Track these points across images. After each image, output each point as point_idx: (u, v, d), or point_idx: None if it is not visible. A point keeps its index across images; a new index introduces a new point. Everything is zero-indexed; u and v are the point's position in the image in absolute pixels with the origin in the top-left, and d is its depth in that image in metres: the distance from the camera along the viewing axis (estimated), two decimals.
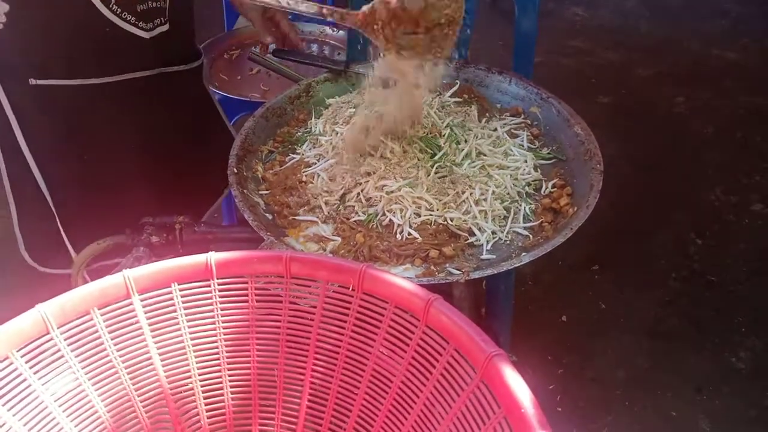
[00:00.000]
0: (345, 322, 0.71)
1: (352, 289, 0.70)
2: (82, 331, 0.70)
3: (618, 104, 3.04)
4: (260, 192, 1.17)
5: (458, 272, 1.00)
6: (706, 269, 2.31)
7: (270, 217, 1.12)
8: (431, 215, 1.07)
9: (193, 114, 1.44)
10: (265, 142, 1.27)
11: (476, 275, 0.97)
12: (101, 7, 1.11)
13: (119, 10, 1.13)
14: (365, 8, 0.92)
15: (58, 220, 1.30)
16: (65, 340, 0.69)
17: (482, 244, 1.06)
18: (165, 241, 1.24)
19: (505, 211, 1.10)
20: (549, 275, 2.26)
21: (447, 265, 1.03)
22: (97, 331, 0.71)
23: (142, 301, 0.72)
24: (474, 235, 1.06)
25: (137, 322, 0.73)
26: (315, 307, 0.73)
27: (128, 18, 1.15)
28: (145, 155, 1.31)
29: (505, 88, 1.35)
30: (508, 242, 1.07)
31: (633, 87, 3.21)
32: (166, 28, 1.22)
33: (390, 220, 1.06)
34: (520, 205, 1.11)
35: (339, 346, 0.71)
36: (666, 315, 2.18)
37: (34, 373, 0.66)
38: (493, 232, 1.07)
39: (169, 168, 1.35)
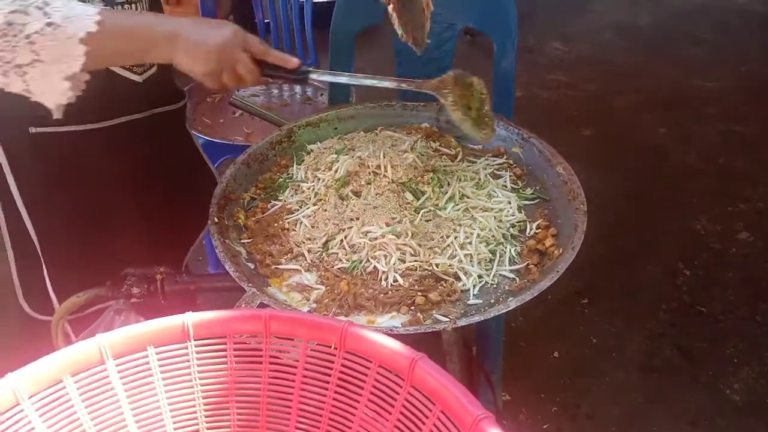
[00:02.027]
0: (328, 382, 0.69)
1: (334, 348, 0.68)
2: (54, 401, 0.68)
3: (600, 135, 3.07)
4: (242, 240, 1.15)
5: (445, 319, 0.98)
6: (695, 299, 2.31)
7: (252, 266, 1.11)
8: (416, 261, 1.05)
9: (178, 156, 1.43)
10: (247, 188, 1.26)
11: (463, 323, 0.95)
12: None
13: None
14: (437, 79, 1.15)
15: (44, 268, 1.28)
16: (36, 410, 0.67)
17: (468, 289, 1.04)
18: (146, 293, 1.22)
19: (490, 254, 1.08)
20: (539, 310, 2.24)
21: (433, 311, 1.02)
22: (70, 400, 0.68)
23: (117, 366, 0.70)
24: (460, 279, 1.05)
25: (112, 388, 0.70)
26: (297, 361, 0.71)
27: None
28: (133, 198, 1.30)
29: None
30: (494, 285, 1.06)
31: (614, 118, 3.24)
32: (154, 70, 1.24)
33: (374, 266, 1.05)
34: (506, 248, 1.10)
35: (322, 408, 0.69)
36: (658, 348, 2.16)
37: None
38: (479, 276, 1.06)
39: (154, 211, 1.34)
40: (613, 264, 2.41)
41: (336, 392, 0.68)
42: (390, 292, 1.02)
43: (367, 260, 1.05)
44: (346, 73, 1.27)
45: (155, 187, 1.33)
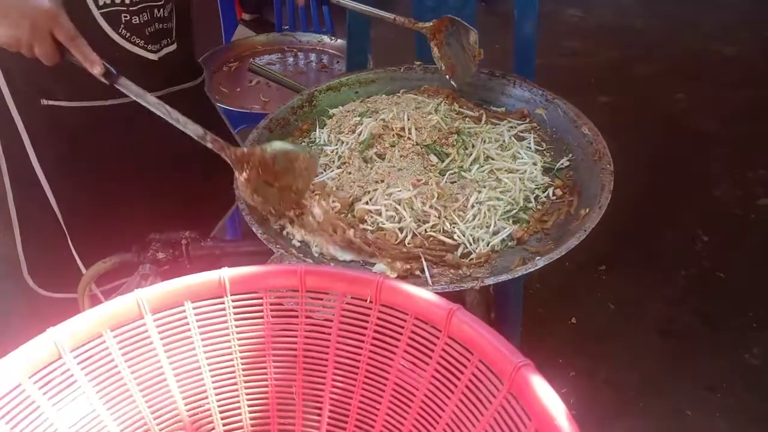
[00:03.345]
0: (364, 335, 0.69)
1: (370, 301, 0.68)
2: (94, 354, 0.69)
3: (619, 103, 3.03)
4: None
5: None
6: (714, 265, 2.29)
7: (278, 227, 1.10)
8: (435, 226, 1.05)
9: (201, 125, 1.43)
10: None
11: (490, 281, 0.96)
12: (111, 32, 1.13)
13: (128, 34, 1.15)
14: (245, 148, 1.05)
15: (69, 238, 1.29)
16: (78, 364, 0.68)
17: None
18: (171, 257, 1.23)
19: (504, 224, 1.07)
20: (556, 277, 2.24)
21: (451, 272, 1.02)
22: (110, 354, 0.70)
23: (155, 321, 0.71)
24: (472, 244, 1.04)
25: (151, 343, 0.71)
26: (331, 320, 0.71)
27: (137, 42, 1.17)
28: (154, 173, 1.31)
29: (510, 90, 1.34)
30: (512, 248, 1.06)
31: (633, 85, 3.19)
32: (173, 48, 1.23)
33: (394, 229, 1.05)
34: (508, 225, 1.08)
35: (358, 361, 0.69)
36: (677, 313, 2.15)
37: (48, 400, 0.65)
38: (488, 243, 1.05)
39: (179, 184, 1.35)
40: (630, 231, 2.39)
41: (372, 345, 0.69)
42: (404, 248, 1.02)
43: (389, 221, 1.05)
44: (154, 98, 1.04)
45: (179, 164, 1.32)
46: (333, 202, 1.07)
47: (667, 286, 2.24)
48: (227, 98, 1.93)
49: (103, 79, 0.98)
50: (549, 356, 2.02)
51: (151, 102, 1.01)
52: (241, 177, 1.00)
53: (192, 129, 1.03)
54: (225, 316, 0.72)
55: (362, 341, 0.69)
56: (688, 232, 2.42)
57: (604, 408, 1.90)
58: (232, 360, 0.73)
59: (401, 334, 0.67)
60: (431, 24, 1.27)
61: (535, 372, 0.56)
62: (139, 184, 1.31)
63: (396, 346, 0.67)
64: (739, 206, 2.51)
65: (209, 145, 1.03)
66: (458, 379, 0.62)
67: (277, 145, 1.03)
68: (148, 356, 0.71)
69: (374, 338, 0.69)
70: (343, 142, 1.19)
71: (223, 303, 0.72)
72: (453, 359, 0.62)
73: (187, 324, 0.72)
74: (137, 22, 1.14)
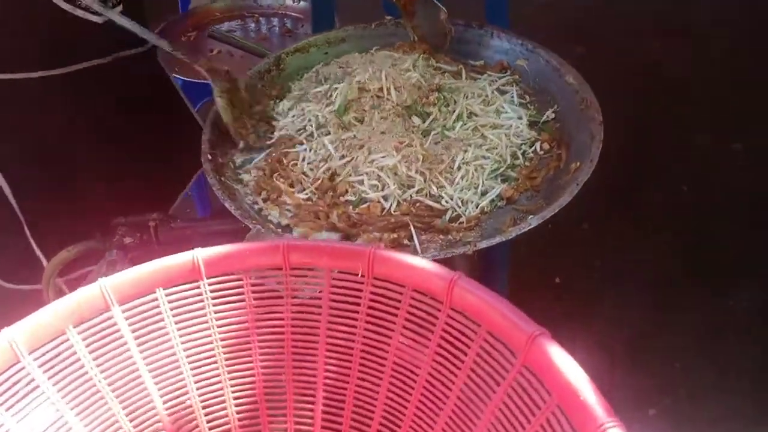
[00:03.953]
0: (357, 312, 0.63)
1: (362, 275, 0.62)
2: (58, 355, 0.62)
3: (594, 55, 2.95)
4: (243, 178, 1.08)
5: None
6: (699, 217, 2.28)
7: (258, 207, 1.03)
8: (421, 191, 0.98)
9: (152, 101, 1.35)
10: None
11: (483, 245, 0.90)
12: None
13: None
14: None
15: (26, 227, 1.20)
16: (39, 367, 0.60)
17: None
18: (139, 242, 1.15)
19: (493, 184, 1.01)
20: (538, 237, 2.20)
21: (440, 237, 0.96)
22: (75, 353, 0.62)
23: (123, 312, 0.64)
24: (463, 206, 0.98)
25: (121, 337, 0.64)
26: (319, 298, 0.65)
27: (79, 3, 1.06)
28: (107, 150, 1.24)
29: (487, 42, 1.27)
30: (501, 208, 1.00)
31: (608, 38, 3.13)
32: (119, 9, 1.12)
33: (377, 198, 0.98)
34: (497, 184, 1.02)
35: (353, 341, 0.63)
36: (663, 268, 2.13)
37: (6, 410, 0.57)
38: (477, 205, 0.99)
39: (135, 162, 1.27)
40: (612, 184, 2.35)
41: (367, 323, 0.62)
42: (390, 218, 0.96)
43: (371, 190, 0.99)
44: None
45: (133, 137, 1.25)
46: (307, 186, 1.00)
47: (651, 240, 2.22)
48: (187, 69, 1.81)
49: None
50: (537, 321, 1.99)
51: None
52: (217, 88, 1.08)
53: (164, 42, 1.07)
54: (202, 301, 0.65)
55: (356, 320, 0.63)
56: (671, 185, 2.40)
57: (598, 368, 1.87)
58: (212, 350, 0.66)
59: (398, 308, 0.61)
60: None
61: (552, 341, 0.50)
62: (93, 164, 1.23)
63: (393, 323, 0.61)
64: (721, 157, 2.49)
65: (176, 54, 1.11)
66: (465, 354, 0.56)
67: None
68: (118, 352, 0.64)
69: (368, 315, 0.62)
70: (312, 115, 1.10)
71: (198, 287, 0.65)
72: (458, 332, 0.57)
73: (160, 313, 0.65)
74: None
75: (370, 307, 0.62)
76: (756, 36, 3.04)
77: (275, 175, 1.04)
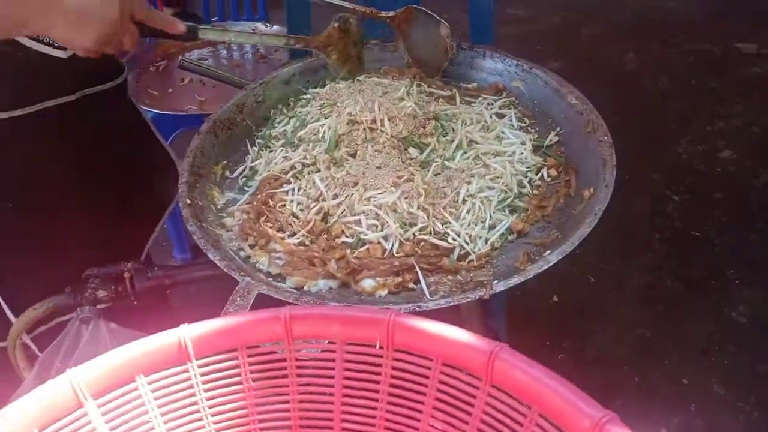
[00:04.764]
0: (377, 391, 0.54)
1: (380, 347, 0.53)
2: None
3: (569, 68, 2.94)
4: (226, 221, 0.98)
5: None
6: (688, 225, 2.24)
7: (244, 253, 0.93)
8: (425, 228, 0.90)
9: (123, 138, 1.25)
10: (217, 161, 1.08)
11: (501, 287, 0.81)
12: None
13: None
14: (324, 34, 1.12)
15: None
16: None
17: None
18: (114, 294, 1.05)
19: (501, 216, 0.94)
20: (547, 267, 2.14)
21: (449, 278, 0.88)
22: None
23: (99, 407, 0.53)
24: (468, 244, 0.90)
25: None
26: (333, 369, 0.55)
27: (41, 38, 0.98)
28: (78, 190, 1.14)
29: (480, 63, 1.19)
30: (512, 242, 0.92)
31: (580, 49, 3.12)
32: None
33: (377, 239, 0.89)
34: (505, 216, 0.94)
35: (373, 425, 0.54)
36: (657, 279, 2.09)
37: None
38: (486, 240, 0.91)
39: (105, 201, 1.18)
40: None
41: (390, 403, 0.53)
42: (393, 260, 0.87)
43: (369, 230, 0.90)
44: (235, 30, 1.31)
45: (102, 175, 1.16)
46: (298, 230, 0.90)
47: (643, 253, 2.17)
48: (158, 101, 1.72)
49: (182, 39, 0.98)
50: (534, 340, 1.92)
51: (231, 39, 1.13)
52: (330, 59, 1.11)
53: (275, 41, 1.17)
54: (192, 387, 0.55)
55: (376, 399, 0.54)
56: (656, 193, 2.36)
57: (599, 387, 1.80)
58: None
59: (426, 386, 0.52)
60: (394, 13, 1.12)
61: (624, 427, 0.41)
62: (61, 208, 1.14)
63: (422, 402, 0.52)
64: (703, 161, 2.47)
65: (295, 46, 1.11)
66: None
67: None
68: None
69: (391, 394, 0.53)
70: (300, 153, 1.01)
71: (187, 371, 0.55)
72: (502, 415, 0.48)
73: (143, 404, 0.55)
74: None
75: (392, 384, 0.53)
76: (727, 40, 3.05)
77: (262, 219, 0.94)
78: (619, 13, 3.32)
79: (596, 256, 2.17)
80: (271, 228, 0.92)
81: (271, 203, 0.96)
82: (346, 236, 0.90)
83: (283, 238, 0.91)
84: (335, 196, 0.92)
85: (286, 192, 0.96)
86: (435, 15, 1.13)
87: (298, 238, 0.90)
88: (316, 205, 0.92)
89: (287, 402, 0.56)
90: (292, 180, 0.97)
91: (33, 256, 1.12)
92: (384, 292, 0.86)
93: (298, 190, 0.95)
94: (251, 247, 0.93)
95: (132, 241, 1.28)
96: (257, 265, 0.91)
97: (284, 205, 0.95)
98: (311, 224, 0.90)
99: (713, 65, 2.92)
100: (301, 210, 0.93)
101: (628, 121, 2.65)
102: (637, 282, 2.09)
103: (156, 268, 1.07)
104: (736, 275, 2.07)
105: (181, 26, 0.96)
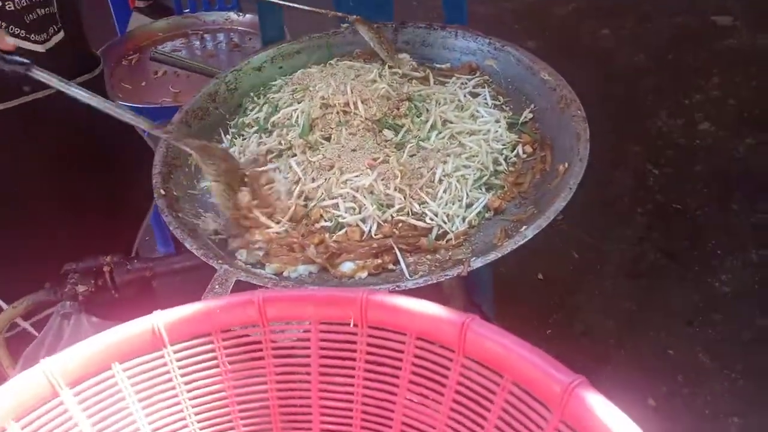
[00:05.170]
0: (353, 368, 0.54)
1: (354, 325, 0.53)
2: None
3: (545, 46, 2.93)
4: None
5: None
6: (669, 198, 2.25)
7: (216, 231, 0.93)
8: (402, 209, 0.90)
9: (104, 129, 1.25)
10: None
11: (478, 263, 0.82)
12: None
13: (3, 23, 0.97)
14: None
15: None
16: None
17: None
18: (95, 288, 1.05)
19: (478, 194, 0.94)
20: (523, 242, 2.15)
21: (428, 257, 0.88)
22: None
23: (76, 396, 0.53)
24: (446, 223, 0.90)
25: (75, 425, 0.54)
26: (309, 349, 0.56)
27: (17, 32, 0.98)
28: (61, 185, 1.15)
29: (452, 43, 1.20)
30: (489, 220, 0.93)
31: (556, 27, 3.11)
32: (61, 36, 1.06)
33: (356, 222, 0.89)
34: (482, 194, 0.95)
35: (351, 401, 0.54)
36: (641, 253, 2.10)
37: None
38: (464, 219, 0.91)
39: (89, 196, 1.19)
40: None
41: (366, 379, 0.54)
42: (372, 242, 0.87)
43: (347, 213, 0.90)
44: (78, 88, 0.92)
45: (85, 170, 1.17)
46: (280, 219, 0.90)
47: (626, 226, 2.18)
48: (131, 95, 1.70)
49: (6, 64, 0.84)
50: (522, 318, 1.93)
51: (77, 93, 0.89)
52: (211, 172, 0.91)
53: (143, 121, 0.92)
54: (168, 372, 0.55)
55: (352, 375, 0.54)
56: (637, 168, 2.37)
57: (588, 360, 1.84)
58: (186, 426, 0.57)
59: (401, 360, 0.52)
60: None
61: (593, 391, 0.42)
62: (43, 203, 1.14)
63: (397, 377, 0.52)
64: (682, 135, 2.48)
65: (163, 136, 0.95)
66: (487, 410, 0.48)
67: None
68: None
69: (367, 370, 0.54)
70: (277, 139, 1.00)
71: (163, 357, 0.55)
72: (477, 385, 0.48)
73: (120, 391, 0.55)
74: (12, 8, 0.97)
75: (368, 361, 0.53)
76: (702, 16, 3.06)
77: (254, 203, 0.92)
78: None
79: (579, 232, 2.18)
80: (262, 215, 0.90)
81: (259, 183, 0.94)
82: (325, 220, 0.90)
83: (267, 227, 0.89)
84: (312, 180, 0.91)
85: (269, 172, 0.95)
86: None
87: (283, 226, 0.90)
88: (296, 188, 0.92)
89: (265, 383, 0.56)
90: (274, 161, 0.96)
91: (15, 253, 1.12)
92: (364, 274, 0.87)
93: (279, 173, 0.94)
94: (232, 237, 0.92)
95: (119, 235, 1.28)
96: (236, 253, 0.91)
97: (271, 188, 0.94)
98: (292, 209, 0.90)
99: (689, 39, 2.93)
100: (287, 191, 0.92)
101: (607, 98, 2.66)
102: (621, 256, 2.11)
103: (135, 261, 1.07)
104: (717, 246, 2.09)
105: (8, 42, 0.87)
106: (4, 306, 1.14)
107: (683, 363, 1.82)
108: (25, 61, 0.86)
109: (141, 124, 0.93)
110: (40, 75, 0.87)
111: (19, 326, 1.15)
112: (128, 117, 0.92)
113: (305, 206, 0.90)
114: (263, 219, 0.89)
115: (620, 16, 3.10)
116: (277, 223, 0.89)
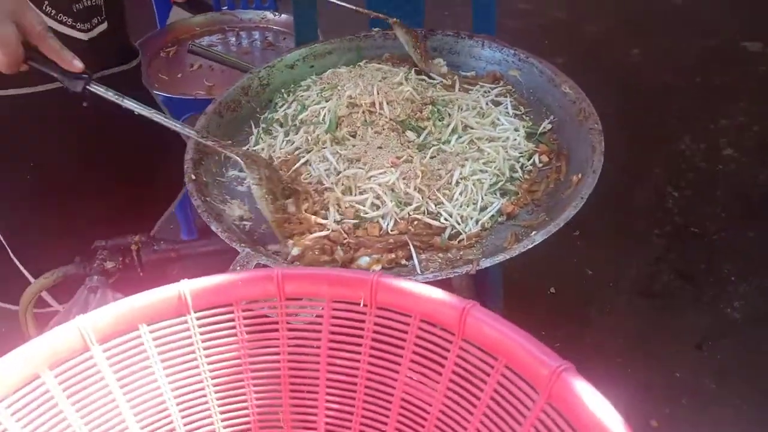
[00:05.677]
0: (360, 345, 0.58)
1: (364, 305, 0.57)
2: (32, 401, 0.56)
3: (574, 63, 2.95)
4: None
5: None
6: (687, 221, 2.26)
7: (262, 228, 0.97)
8: (419, 208, 0.94)
9: (136, 118, 1.30)
10: (222, 140, 1.12)
11: (487, 263, 0.85)
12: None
13: (53, 11, 1.01)
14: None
15: (8, 248, 1.16)
16: (12, 415, 0.55)
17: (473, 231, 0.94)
18: (122, 266, 1.10)
19: (492, 199, 0.97)
20: (531, 248, 2.17)
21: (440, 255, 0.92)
22: (53, 398, 0.57)
23: (104, 352, 0.58)
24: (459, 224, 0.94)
25: (102, 378, 0.58)
26: (319, 324, 0.60)
27: (64, 20, 1.03)
28: (90, 168, 1.19)
29: (478, 52, 1.24)
30: (502, 224, 0.96)
31: (585, 44, 3.14)
32: (104, 27, 1.10)
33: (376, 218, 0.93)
34: (496, 198, 0.98)
35: (356, 375, 0.58)
36: (656, 273, 2.11)
37: None
38: (477, 221, 0.95)
39: (118, 180, 1.23)
40: (600, 192, 2.33)
41: (371, 356, 0.58)
42: (388, 237, 0.91)
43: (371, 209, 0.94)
44: (134, 101, 0.95)
45: (116, 155, 1.21)
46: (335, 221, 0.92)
47: (642, 247, 2.20)
48: (167, 86, 1.77)
49: (66, 80, 0.85)
50: (532, 329, 1.94)
51: (132, 106, 0.90)
52: (254, 176, 0.91)
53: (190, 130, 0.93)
54: (190, 337, 0.60)
55: (359, 352, 0.58)
56: (657, 188, 2.38)
57: (594, 377, 1.84)
58: (203, 389, 0.61)
59: (405, 340, 0.56)
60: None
61: (578, 376, 0.46)
62: (76, 181, 1.18)
63: (400, 356, 0.56)
64: (705, 158, 2.49)
65: (209, 143, 0.95)
66: (481, 390, 0.52)
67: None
68: (99, 395, 0.59)
69: (373, 348, 0.58)
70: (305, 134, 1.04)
71: (186, 322, 0.60)
72: (472, 367, 0.52)
73: (145, 351, 0.59)
74: None
75: (374, 339, 0.58)
76: (733, 40, 3.06)
77: (305, 206, 0.94)
78: (625, 9, 3.33)
79: (595, 249, 2.20)
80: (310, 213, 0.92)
81: (298, 179, 0.98)
82: (351, 219, 0.93)
83: (321, 225, 0.91)
84: (346, 169, 0.95)
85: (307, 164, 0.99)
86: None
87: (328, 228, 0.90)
88: (338, 179, 0.95)
89: (278, 354, 0.60)
90: (305, 155, 1.00)
91: (50, 231, 1.17)
92: (378, 268, 0.90)
93: (311, 165, 0.98)
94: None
95: (144, 220, 1.33)
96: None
97: (308, 181, 0.96)
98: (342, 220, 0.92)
99: (718, 62, 2.94)
100: (328, 175, 0.96)
101: (632, 116, 2.68)
102: (635, 275, 2.12)
103: (162, 242, 1.12)
104: (732, 271, 2.09)
105: (77, 65, 0.87)
106: (30, 278, 1.20)
107: (689, 386, 1.82)
108: (85, 76, 0.88)
109: (189, 133, 0.97)
110: (97, 89, 0.89)
111: (48, 305, 1.21)
112: (178, 127, 0.95)
113: (356, 226, 0.92)
114: (314, 219, 0.91)
115: (650, 36, 3.12)
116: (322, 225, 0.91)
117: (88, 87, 0.88)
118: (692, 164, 2.47)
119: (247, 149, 0.98)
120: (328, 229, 0.90)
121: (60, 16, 1.02)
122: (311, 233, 0.88)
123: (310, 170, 0.98)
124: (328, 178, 0.95)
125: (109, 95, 0.89)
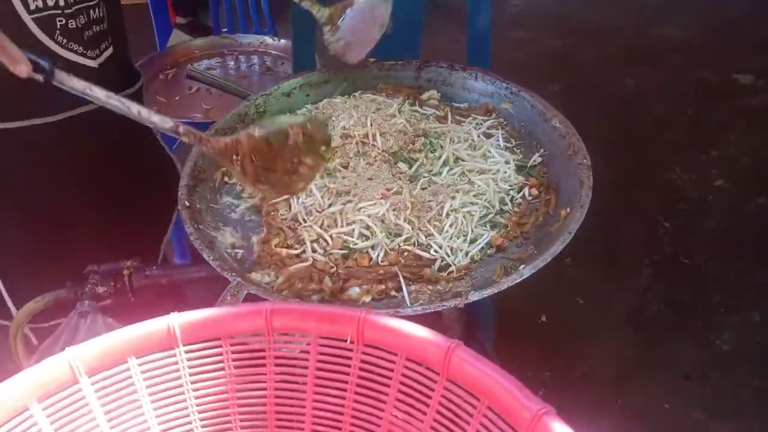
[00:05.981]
0: (346, 382, 0.59)
1: (351, 342, 0.58)
2: None
3: (568, 92, 3.00)
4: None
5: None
6: (677, 251, 2.28)
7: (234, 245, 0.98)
8: (409, 239, 0.95)
9: (136, 142, 1.31)
10: (218, 167, 1.13)
11: (475, 297, 0.86)
12: (46, 40, 0.99)
13: (65, 40, 1.02)
14: (229, 138, 0.85)
15: None
16: None
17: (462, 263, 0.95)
18: (113, 291, 1.10)
19: (482, 232, 0.99)
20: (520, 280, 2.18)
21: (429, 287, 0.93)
22: (40, 430, 0.57)
23: (93, 384, 0.59)
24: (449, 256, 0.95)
25: (90, 411, 0.59)
26: (307, 360, 0.60)
27: (75, 48, 1.04)
28: (91, 193, 1.20)
29: (472, 85, 1.25)
30: (490, 256, 0.97)
31: (580, 73, 3.18)
32: (111, 52, 1.11)
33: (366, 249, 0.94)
34: (486, 231, 0.99)
35: (342, 413, 0.59)
36: (645, 303, 2.13)
37: None
38: (467, 253, 0.96)
39: (117, 204, 1.23)
40: (591, 221, 2.35)
41: (357, 393, 0.58)
42: (378, 269, 0.92)
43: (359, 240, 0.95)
44: (104, 91, 0.84)
45: (115, 179, 1.21)
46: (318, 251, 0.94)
47: (633, 276, 2.21)
48: (165, 108, 1.78)
49: (37, 76, 0.80)
50: (522, 358, 1.96)
51: (99, 95, 0.84)
52: (234, 170, 0.84)
53: (158, 121, 0.85)
54: (178, 371, 0.61)
55: (345, 389, 0.59)
56: (648, 218, 2.41)
57: (583, 407, 1.85)
58: (190, 422, 0.61)
59: (391, 378, 0.57)
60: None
61: (559, 419, 0.46)
62: (72, 207, 1.19)
63: (386, 393, 0.57)
64: (696, 189, 2.52)
65: (184, 139, 0.86)
66: (464, 430, 0.52)
67: (268, 123, 0.86)
68: (87, 428, 0.59)
69: (359, 384, 0.58)
70: None
71: (175, 356, 0.60)
72: (456, 407, 0.53)
73: (133, 384, 0.60)
74: (74, 26, 1.02)
75: (360, 376, 0.58)
76: (725, 73, 3.11)
77: (274, 242, 0.96)
78: (619, 40, 3.39)
79: (586, 278, 2.21)
80: (283, 250, 0.94)
81: (272, 214, 1.00)
82: (338, 249, 0.95)
83: (292, 257, 0.92)
84: (330, 205, 0.97)
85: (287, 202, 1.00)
86: None
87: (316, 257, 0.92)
88: (318, 217, 0.97)
89: (264, 389, 0.61)
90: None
91: (44, 255, 1.17)
92: (368, 299, 0.91)
93: (296, 199, 1.00)
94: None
95: (142, 244, 1.33)
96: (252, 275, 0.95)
97: (284, 217, 0.99)
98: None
99: (710, 94, 2.98)
100: (304, 219, 0.97)
101: (624, 146, 2.71)
102: (625, 305, 2.13)
103: (154, 267, 1.12)
104: (722, 303, 2.11)
105: (22, 69, 0.78)
106: (13, 309, 1.19)
107: (678, 418, 1.83)
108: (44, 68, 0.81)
109: (165, 122, 0.87)
110: (61, 79, 0.83)
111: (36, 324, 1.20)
112: (155, 121, 0.87)
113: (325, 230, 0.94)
114: (285, 252, 0.92)
115: (644, 67, 3.17)
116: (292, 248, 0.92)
117: (52, 81, 0.82)
118: (683, 194, 2.50)
119: (225, 140, 0.86)
120: (308, 260, 0.90)
121: (71, 45, 1.03)
122: (287, 266, 0.89)
123: (290, 205, 0.98)
124: (310, 215, 0.95)
125: (74, 82, 0.83)
